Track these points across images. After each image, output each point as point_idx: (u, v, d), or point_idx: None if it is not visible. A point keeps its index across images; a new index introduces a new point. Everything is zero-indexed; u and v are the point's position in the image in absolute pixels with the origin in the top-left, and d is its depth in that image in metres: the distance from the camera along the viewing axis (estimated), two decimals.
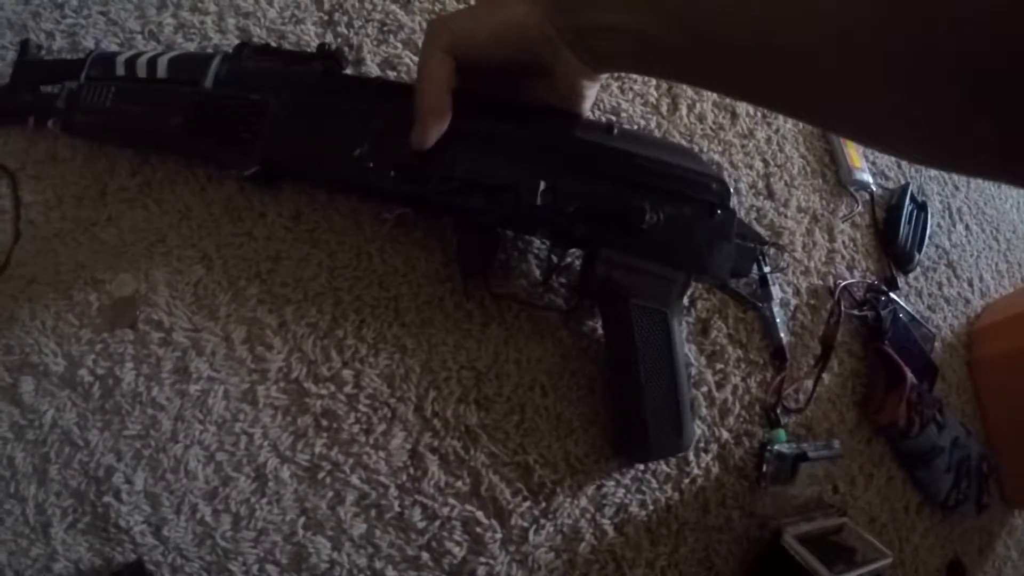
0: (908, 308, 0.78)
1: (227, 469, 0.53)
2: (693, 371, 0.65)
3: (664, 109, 0.74)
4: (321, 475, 0.54)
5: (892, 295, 0.76)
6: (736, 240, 0.54)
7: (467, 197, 0.52)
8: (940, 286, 0.82)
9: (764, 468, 0.64)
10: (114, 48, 0.69)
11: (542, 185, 0.51)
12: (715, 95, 0.77)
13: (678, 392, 0.54)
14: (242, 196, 0.60)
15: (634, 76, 0.73)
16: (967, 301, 0.83)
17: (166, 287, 0.57)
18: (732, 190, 0.61)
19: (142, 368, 0.55)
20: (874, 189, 0.82)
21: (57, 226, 0.61)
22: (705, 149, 0.75)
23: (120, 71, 0.60)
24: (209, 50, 0.66)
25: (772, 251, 0.74)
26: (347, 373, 0.55)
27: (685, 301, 0.65)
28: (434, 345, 0.57)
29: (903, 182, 0.86)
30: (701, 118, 0.76)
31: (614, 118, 0.71)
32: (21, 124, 0.64)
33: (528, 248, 0.62)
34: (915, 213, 0.82)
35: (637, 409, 0.54)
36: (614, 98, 0.72)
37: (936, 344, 0.81)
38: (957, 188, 0.93)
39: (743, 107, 0.78)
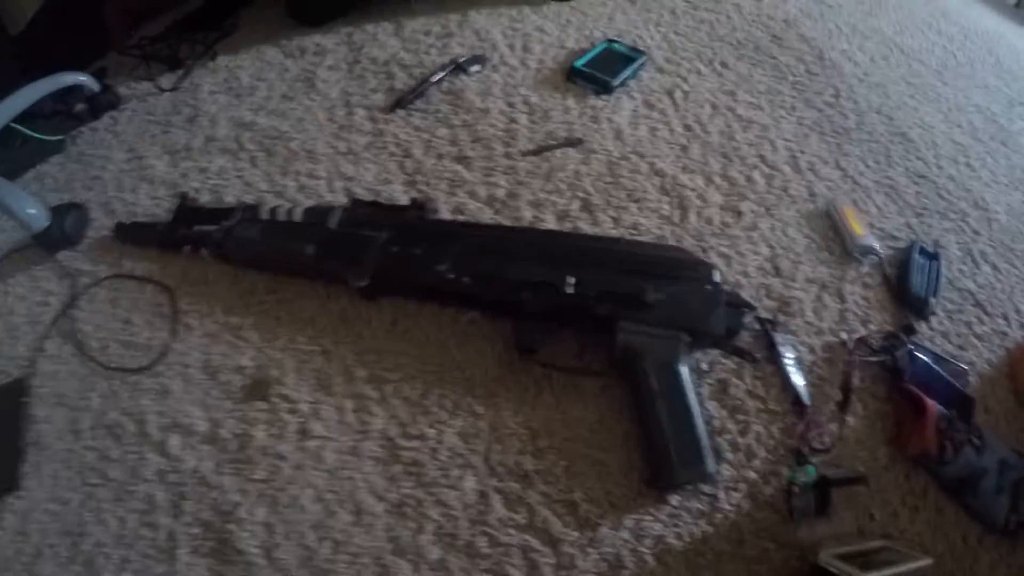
0: (933, 349, 0.78)
1: (332, 505, 0.67)
2: (716, 423, 0.73)
3: (676, 218, 0.89)
4: (406, 510, 0.67)
5: (910, 339, 0.77)
6: (727, 306, 0.71)
7: (517, 293, 0.72)
8: (969, 325, 0.82)
9: (793, 501, 0.68)
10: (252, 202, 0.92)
11: (572, 280, 0.71)
12: (719, 200, 0.90)
13: (694, 425, 0.66)
14: (353, 308, 0.81)
15: (648, 199, 0.90)
16: (1004, 335, 0.83)
17: (294, 372, 0.76)
18: (735, 276, 0.76)
19: (271, 429, 0.71)
20: (881, 251, 0.85)
21: (209, 328, 0.81)
22: (715, 245, 0.87)
23: (265, 215, 0.84)
24: (328, 203, 0.90)
25: (779, 314, 0.80)
26: (431, 432, 0.71)
27: (705, 367, 0.76)
28: (498, 410, 0.73)
29: (912, 241, 0.89)
30: (708, 220, 0.89)
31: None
32: (178, 252, 0.88)
33: (567, 332, 0.76)
34: (926, 264, 0.84)
35: (660, 439, 0.66)
36: (633, 216, 0.89)
37: (971, 378, 0.80)
38: (978, 233, 0.94)
39: (746, 205, 0.91)
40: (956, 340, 0.81)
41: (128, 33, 1.31)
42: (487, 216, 0.89)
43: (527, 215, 0.89)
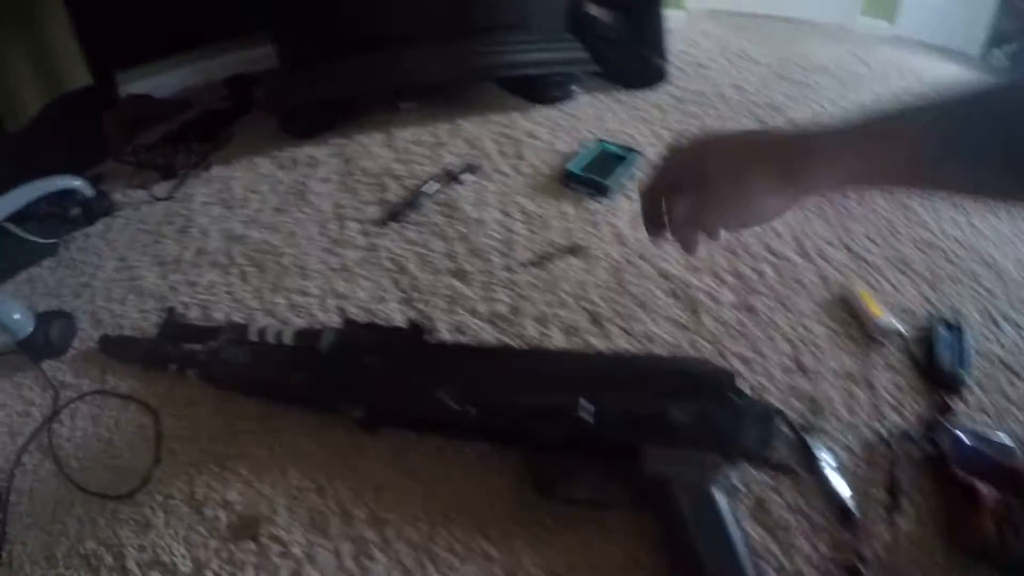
0: (974, 428, 0.74)
1: None
2: (757, 546, 0.66)
3: (689, 323, 0.85)
4: None
5: (948, 421, 0.74)
6: (754, 415, 0.65)
7: (528, 422, 0.66)
8: (1003, 391, 0.78)
9: None
10: (241, 320, 0.91)
11: (587, 404, 0.64)
12: (731, 298, 0.87)
13: (735, 555, 0.58)
14: (349, 439, 0.77)
15: (658, 305, 0.88)
16: None
17: (286, 510, 0.71)
18: (758, 379, 0.72)
19: (261, 574, 0.67)
20: (903, 331, 0.82)
21: (194, 456, 0.78)
22: (733, 349, 0.82)
23: (253, 337, 0.82)
24: (318, 326, 0.88)
25: (811, 416, 0.75)
26: None
27: (736, 482, 0.69)
28: (514, 552, 0.65)
29: (932, 312, 0.86)
30: (723, 322, 0.85)
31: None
32: (163, 370, 0.85)
33: (587, 461, 0.70)
34: (950, 337, 0.82)
35: (699, 574, 0.57)
36: (644, 325, 0.86)
37: (1019, 451, 0.74)
38: (992, 293, 0.91)
39: (760, 300, 0.88)
40: (992, 410, 0.77)
41: (126, 140, 1.33)
42: (489, 335, 0.88)
43: (532, 332, 0.87)
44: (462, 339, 0.87)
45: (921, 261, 0.94)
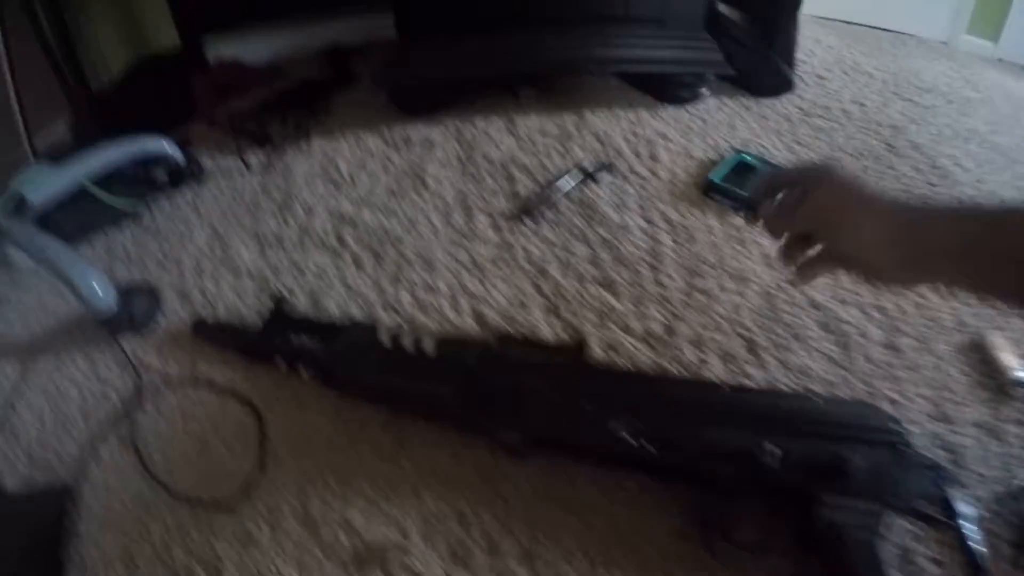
0: None
1: None
2: None
3: (842, 360, 0.78)
4: None
5: None
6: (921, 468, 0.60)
7: (710, 463, 0.59)
8: None
9: None
10: (364, 318, 0.81)
11: (772, 448, 0.58)
12: (878, 335, 0.82)
13: None
14: (492, 461, 0.66)
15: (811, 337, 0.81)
16: None
17: (420, 537, 0.60)
18: (906, 425, 0.65)
19: None
20: None
21: (306, 467, 0.66)
22: (883, 391, 0.77)
23: (385, 340, 0.70)
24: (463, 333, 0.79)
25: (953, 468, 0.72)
26: None
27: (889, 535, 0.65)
28: None
29: None
30: (872, 360, 0.79)
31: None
32: (269, 364, 0.74)
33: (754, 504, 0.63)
34: None
35: None
36: (799, 358, 0.78)
37: None
38: None
39: (904, 340, 0.81)
40: None
41: (217, 106, 1.23)
42: (645, 355, 0.76)
43: (689, 356, 0.76)
44: (616, 358, 0.76)
45: None
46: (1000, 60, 1.95)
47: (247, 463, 0.67)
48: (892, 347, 0.81)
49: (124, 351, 0.80)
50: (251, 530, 0.62)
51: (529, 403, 0.63)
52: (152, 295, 0.86)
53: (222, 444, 0.70)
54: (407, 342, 0.69)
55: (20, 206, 0.88)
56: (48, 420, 0.74)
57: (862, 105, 1.29)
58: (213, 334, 0.80)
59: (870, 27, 1.96)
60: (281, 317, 0.77)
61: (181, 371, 0.77)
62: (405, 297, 0.83)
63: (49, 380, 0.79)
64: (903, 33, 1.94)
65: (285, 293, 0.84)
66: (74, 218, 0.97)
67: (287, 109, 1.24)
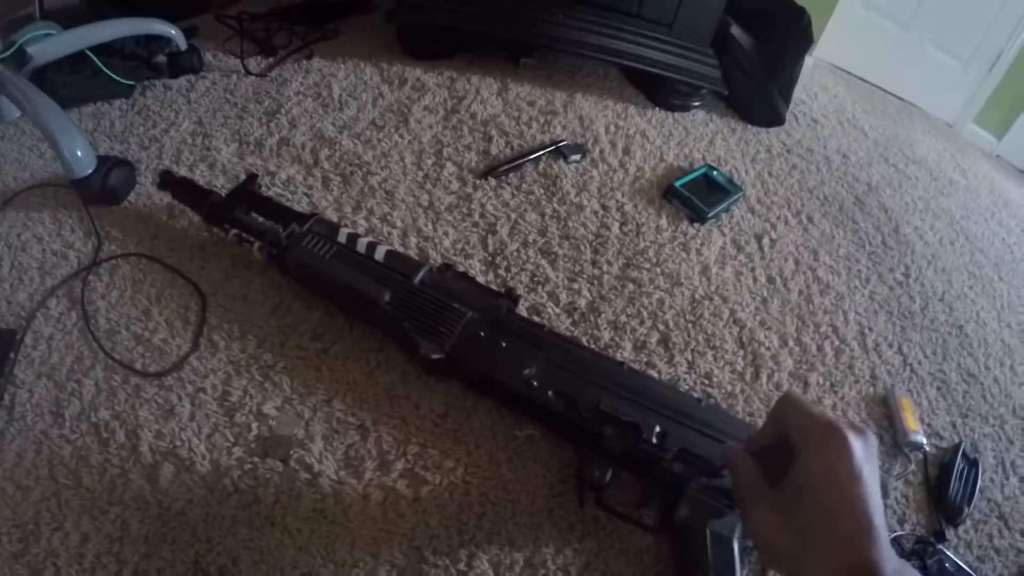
0: (957, 560, 0.77)
1: None
2: None
3: (748, 376, 0.83)
4: None
5: (940, 547, 0.77)
6: None
7: (601, 426, 0.65)
8: (991, 538, 0.80)
9: None
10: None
11: (657, 428, 0.65)
12: (791, 366, 0.86)
13: None
14: (402, 385, 0.72)
15: (725, 349, 0.86)
16: (1019, 551, 0.80)
17: (322, 439, 0.67)
18: None
19: (282, 497, 0.62)
20: (927, 449, 0.84)
21: (235, 355, 0.72)
22: None
23: (342, 239, 0.76)
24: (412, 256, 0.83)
25: None
26: (462, 552, 0.61)
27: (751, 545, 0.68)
28: (538, 546, 0.64)
29: (957, 441, 0.86)
30: (778, 386, 0.84)
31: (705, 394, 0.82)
32: (223, 230, 0.80)
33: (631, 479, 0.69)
34: (966, 470, 0.84)
35: None
36: (708, 363, 0.83)
37: None
38: (1012, 442, 0.90)
39: (814, 376, 0.86)
40: (978, 551, 0.79)
41: (230, 2, 1.25)
42: (564, 325, 0.83)
43: (605, 335, 0.83)
44: (538, 321, 0.82)
45: (960, 390, 0.92)
46: (998, 156, 1.98)
47: (184, 342, 0.73)
48: (801, 379, 0.86)
49: (91, 216, 0.84)
50: (174, 403, 0.68)
51: (456, 324, 0.70)
52: (129, 171, 0.89)
53: (164, 319, 0.75)
54: (361, 246, 0.75)
55: (19, 57, 0.91)
56: (5, 268, 0.78)
57: (845, 157, 1.34)
58: (178, 189, 0.83)
59: (882, 89, 1.98)
60: (248, 192, 0.82)
61: (140, 246, 0.82)
62: (362, 223, 0.89)
63: (12, 231, 0.82)
64: (912, 104, 1.97)
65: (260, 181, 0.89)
66: (70, 83, 0.99)
67: (297, 22, 1.27)
